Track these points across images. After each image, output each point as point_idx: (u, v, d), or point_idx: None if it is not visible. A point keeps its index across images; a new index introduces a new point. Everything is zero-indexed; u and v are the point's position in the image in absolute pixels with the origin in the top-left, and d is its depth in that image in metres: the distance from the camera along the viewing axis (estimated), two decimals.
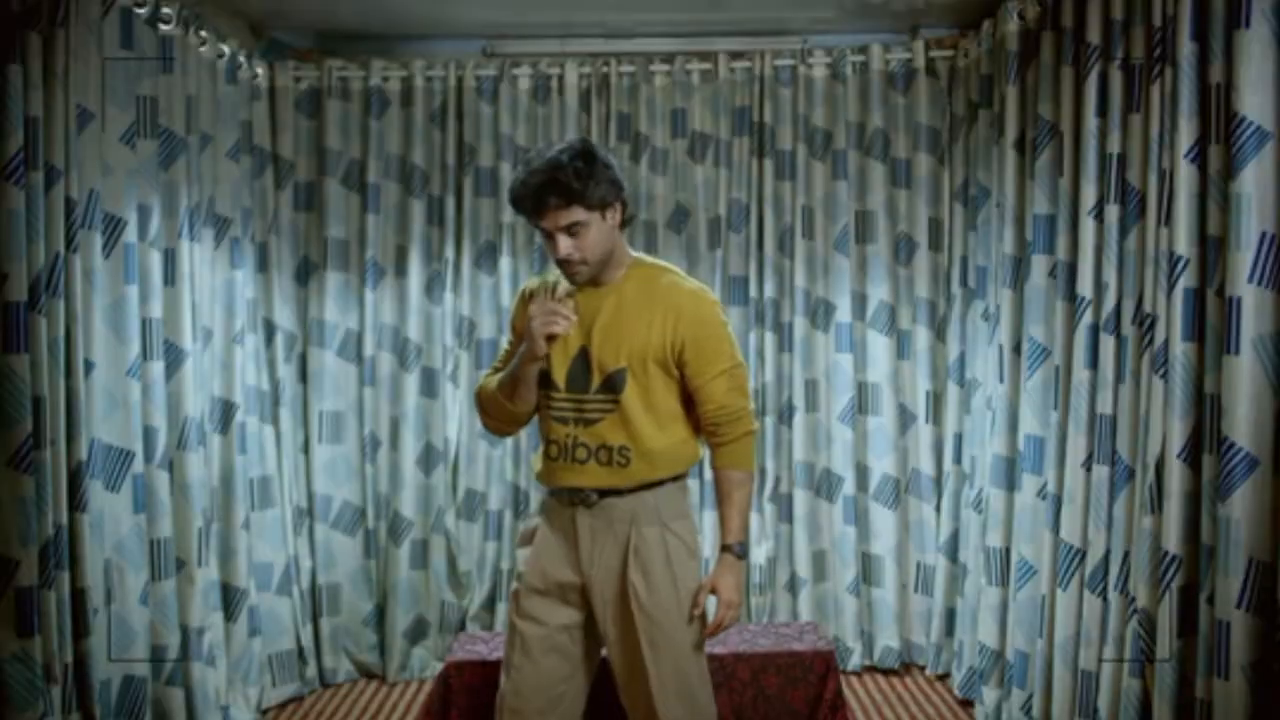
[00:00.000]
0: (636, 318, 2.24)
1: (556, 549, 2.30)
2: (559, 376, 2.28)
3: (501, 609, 3.94)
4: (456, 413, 4.01)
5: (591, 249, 2.18)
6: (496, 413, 2.36)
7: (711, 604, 2.26)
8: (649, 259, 2.38)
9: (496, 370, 2.44)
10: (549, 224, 2.15)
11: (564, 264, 2.19)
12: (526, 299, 2.39)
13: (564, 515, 2.30)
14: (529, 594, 2.29)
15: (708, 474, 3.95)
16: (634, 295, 2.26)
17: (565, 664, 2.27)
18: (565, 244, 2.15)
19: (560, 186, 2.10)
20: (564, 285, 2.28)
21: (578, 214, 2.14)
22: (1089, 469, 2.85)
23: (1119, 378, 2.72)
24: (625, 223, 2.26)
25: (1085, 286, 2.84)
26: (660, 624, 2.20)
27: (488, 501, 4.01)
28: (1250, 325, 2.18)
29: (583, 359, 2.26)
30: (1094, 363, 2.82)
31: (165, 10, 3.08)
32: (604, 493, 2.26)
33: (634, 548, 2.23)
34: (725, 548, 2.26)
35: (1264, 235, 2.17)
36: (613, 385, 2.24)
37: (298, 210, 3.94)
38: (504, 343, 2.55)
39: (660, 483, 2.27)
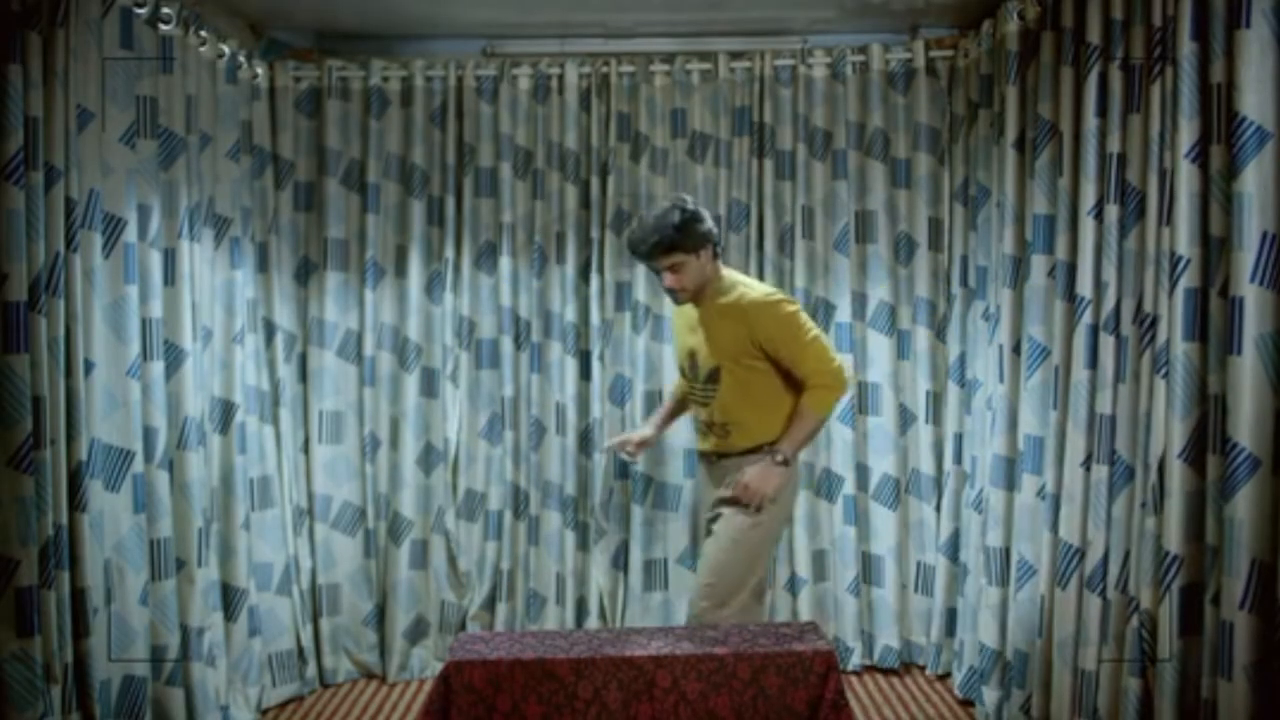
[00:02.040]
0: (721, 327, 3.02)
1: (702, 484, 3.34)
2: (685, 371, 3.20)
3: (502, 609, 3.94)
4: (456, 413, 4.01)
5: (692, 279, 3.00)
6: None
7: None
8: (731, 276, 3.10)
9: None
10: (657, 266, 2.99)
11: (674, 291, 3.02)
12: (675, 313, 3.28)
13: (701, 466, 3.28)
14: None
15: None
16: (718, 310, 3.04)
17: None
18: (671, 278, 2.99)
19: (659, 242, 2.93)
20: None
21: (677, 257, 2.95)
22: (1088, 468, 2.85)
23: (1119, 377, 2.72)
24: (715, 257, 3.07)
25: (1085, 286, 2.84)
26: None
27: (488, 501, 4.01)
28: (1252, 325, 2.18)
29: (692, 358, 3.13)
30: (1094, 362, 2.82)
31: (165, 10, 3.08)
32: (720, 455, 3.11)
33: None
34: (771, 448, 3.01)
35: (1265, 235, 2.17)
36: (713, 377, 3.06)
37: (298, 210, 3.94)
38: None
39: (760, 448, 3.02)
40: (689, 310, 3.13)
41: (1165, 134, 2.51)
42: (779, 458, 2.97)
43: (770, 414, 3.03)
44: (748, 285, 3.08)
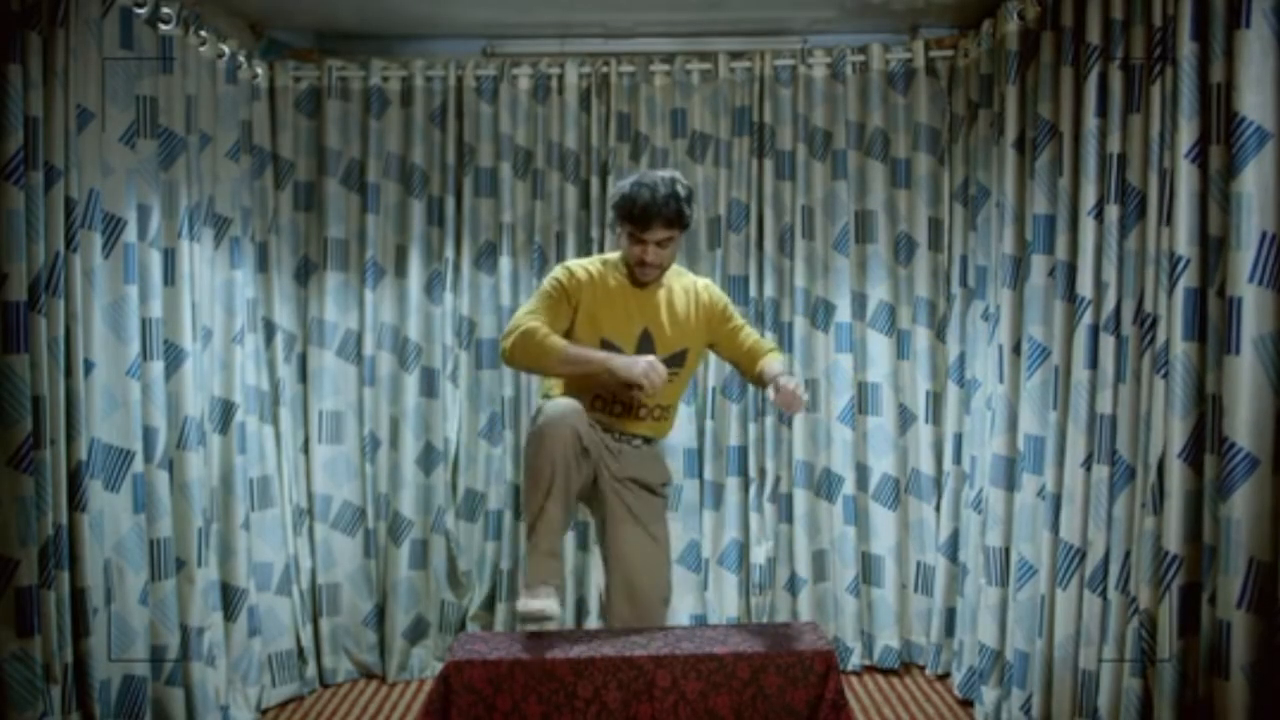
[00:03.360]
0: (685, 310, 2.92)
1: (597, 439, 2.85)
2: (630, 351, 2.85)
3: (502, 609, 3.94)
4: (456, 413, 4.01)
5: (669, 259, 2.85)
6: (540, 365, 2.84)
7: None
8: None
9: (533, 314, 2.84)
10: (650, 237, 2.74)
11: (649, 266, 2.80)
12: (579, 279, 2.87)
13: (606, 447, 2.89)
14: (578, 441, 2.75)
15: (707, 475, 3.97)
16: (678, 293, 2.94)
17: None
18: (655, 253, 2.78)
19: (672, 212, 2.73)
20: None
21: (674, 233, 2.78)
22: (1089, 469, 2.85)
23: (1119, 377, 2.72)
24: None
25: (1085, 286, 2.84)
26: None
27: (488, 501, 4.01)
28: (1251, 325, 2.18)
29: (646, 339, 2.88)
30: (1094, 363, 2.82)
31: (165, 10, 3.08)
32: (648, 440, 2.97)
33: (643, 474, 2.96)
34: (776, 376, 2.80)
35: (1264, 235, 2.18)
36: (678, 360, 2.91)
37: (297, 210, 3.94)
38: (542, 297, 2.90)
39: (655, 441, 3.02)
40: (625, 292, 2.87)
41: (1165, 134, 2.51)
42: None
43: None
44: (680, 270, 3.03)
